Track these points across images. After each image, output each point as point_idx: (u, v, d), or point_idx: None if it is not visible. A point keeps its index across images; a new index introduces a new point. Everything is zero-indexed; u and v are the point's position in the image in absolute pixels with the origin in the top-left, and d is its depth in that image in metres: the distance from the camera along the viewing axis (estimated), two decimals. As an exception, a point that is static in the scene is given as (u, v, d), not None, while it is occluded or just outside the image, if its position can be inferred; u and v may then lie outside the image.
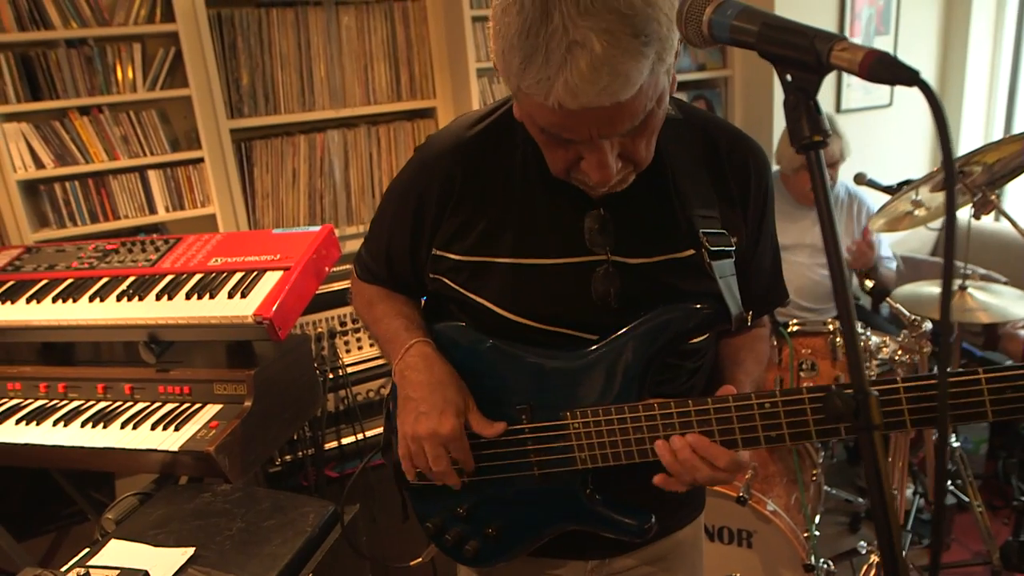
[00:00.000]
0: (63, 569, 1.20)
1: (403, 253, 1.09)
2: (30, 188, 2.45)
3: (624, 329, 0.97)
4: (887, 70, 0.54)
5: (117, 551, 1.31)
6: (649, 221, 0.99)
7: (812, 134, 0.60)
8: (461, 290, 1.03)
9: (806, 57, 0.60)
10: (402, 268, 1.12)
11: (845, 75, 3.36)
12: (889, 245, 3.01)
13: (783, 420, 0.88)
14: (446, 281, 1.04)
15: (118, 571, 1.12)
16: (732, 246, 0.98)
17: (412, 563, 1.21)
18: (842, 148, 2.73)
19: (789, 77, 0.62)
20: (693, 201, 0.98)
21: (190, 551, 1.28)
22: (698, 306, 0.96)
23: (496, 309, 1.01)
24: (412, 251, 1.08)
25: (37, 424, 1.68)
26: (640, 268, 0.98)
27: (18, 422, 1.70)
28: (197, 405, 1.65)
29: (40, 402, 1.77)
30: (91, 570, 1.12)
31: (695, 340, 1.03)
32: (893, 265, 2.96)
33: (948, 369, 0.77)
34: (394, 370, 1.07)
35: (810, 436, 0.88)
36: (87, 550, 1.34)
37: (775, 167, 2.91)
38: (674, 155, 0.99)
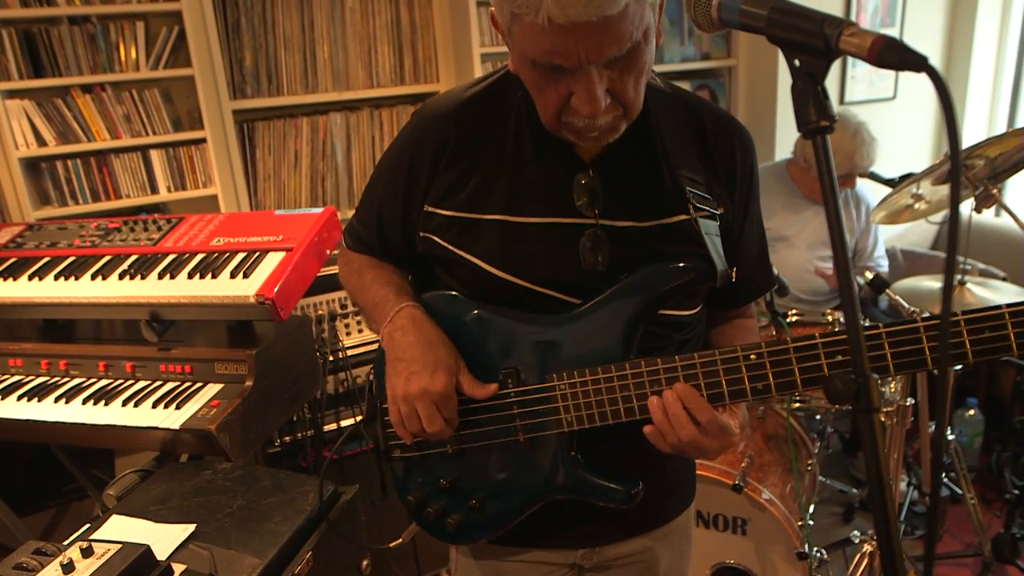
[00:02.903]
0: (65, 543, 1.22)
1: (394, 214, 1.10)
2: (32, 166, 2.45)
3: (608, 291, 0.98)
4: (895, 55, 0.55)
5: (118, 526, 1.33)
6: (638, 186, 1.00)
7: (819, 119, 0.60)
8: (451, 247, 1.04)
9: (815, 42, 0.60)
10: (392, 231, 1.12)
11: (850, 67, 3.38)
12: (884, 244, 3.00)
13: (769, 371, 0.89)
14: (436, 239, 1.05)
15: (120, 545, 1.13)
16: (717, 211, 1.00)
17: (392, 544, 1.21)
18: (865, 163, 2.65)
19: (797, 62, 0.62)
20: (680, 163, 1.00)
21: (191, 527, 1.29)
22: (682, 264, 0.97)
23: (485, 266, 1.01)
24: (404, 209, 1.08)
25: (39, 400, 1.69)
26: (628, 232, 0.99)
27: (20, 398, 1.70)
28: (198, 384, 1.66)
29: (42, 379, 1.77)
30: (93, 544, 1.13)
31: (683, 312, 1.04)
32: (884, 267, 2.96)
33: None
34: (382, 334, 1.07)
35: (796, 386, 0.88)
36: (88, 525, 1.35)
37: (787, 155, 2.89)
38: (662, 121, 1.00)
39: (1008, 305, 0.81)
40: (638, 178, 1.00)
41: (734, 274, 1.02)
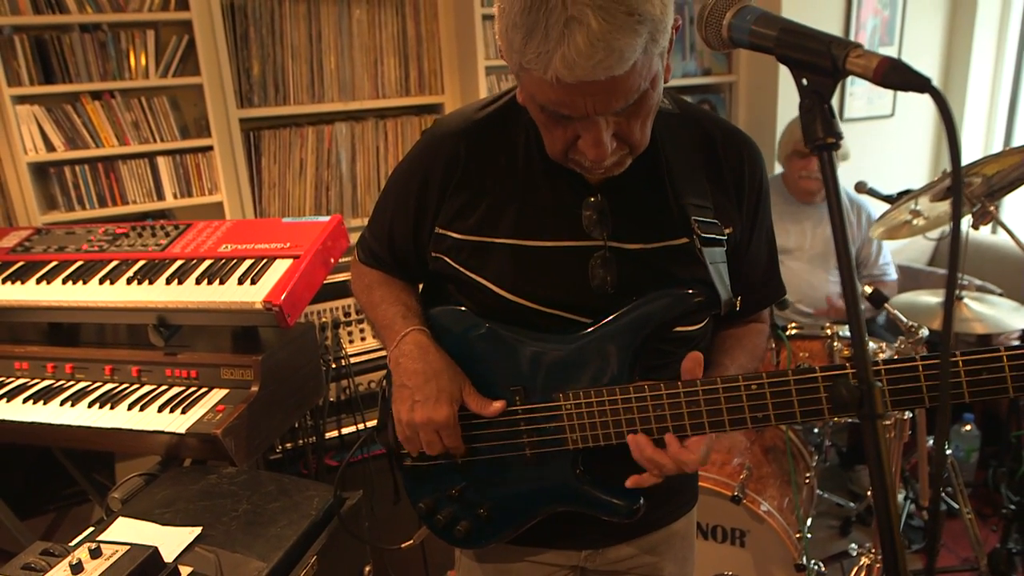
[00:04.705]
0: (72, 544, 1.23)
1: (406, 231, 1.12)
2: (40, 171, 2.47)
3: (616, 313, 1.00)
4: (900, 77, 0.57)
5: (124, 528, 1.34)
6: (645, 208, 1.02)
7: (826, 136, 0.63)
8: (461, 269, 1.06)
9: (822, 62, 0.63)
10: (404, 247, 1.14)
11: (849, 84, 3.42)
12: (890, 252, 3.03)
13: (769, 401, 0.91)
14: (447, 260, 1.07)
15: (128, 547, 1.14)
16: (723, 235, 1.02)
17: (403, 545, 1.23)
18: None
19: (805, 81, 0.65)
20: (686, 190, 1.01)
21: (197, 530, 1.30)
22: (689, 291, 0.99)
23: (495, 289, 1.04)
24: (415, 229, 1.10)
25: (44, 403, 1.70)
26: (636, 254, 1.01)
27: (25, 401, 1.71)
28: (204, 389, 1.67)
29: (47, 382, 1.79)
30: (101, 545, 1.14)
31: (689, 328, 1.05)
32: (893, 275, 2.99)
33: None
34: (389, 357, 1.10)
35: (795, 417, 0.90)
36: (92, 528, 1.36)
37: (778, 170, 2.94)
38: (669, 146, 1.02)
39: (1007, 348, 0.83)
40: (645, 201, 1.02)
41: (738, 303, 1.04)
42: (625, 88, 0.83)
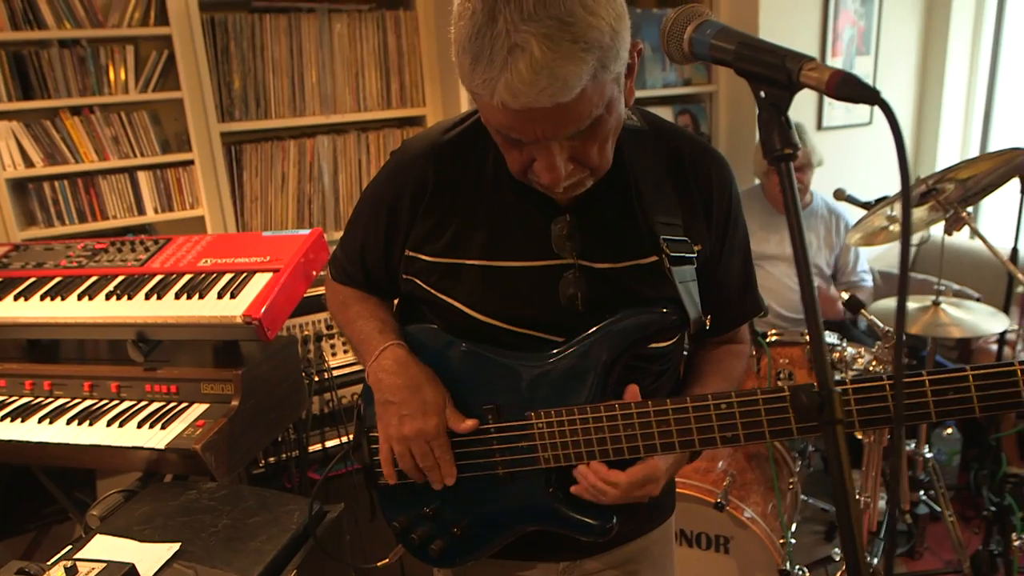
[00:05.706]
0: (49, 563, 1.22)
1: (377, 253, 1.12)
2: (19, 186, 2.45)
3: (588, 332, 1.01)
4: (851, 89, 0.59)
5: (102, 546, 1.32)
6: (614, 227, 1.03)
7: (783, 147, 0.64)
8: (432, 291, 1.06)
9: (778, 75, 0.64)
10: (376, 268, 1.14)
11: (826, 93, 3.47)
12: (867, 260, 3.08)
13: (738, 420, 0.92)
14: (418, 282, 1.07)
15: (105, 564, 1.13)
16: (693, 253, 1.03)
17: (379, 564, 1.23)
18: (807, 153, 2.83)
19: (763, 93, 0.66)
20: (655, 208, 1.02)
21: (175, 546, 1.29)
22: (663, 311, 1.00)
23: (466, 310, 1.04)
24: (386, 251, 1.11)
25: (22, 421, 1.68)
26: (606, 273, 1.02)
27: (3, 419, 1.70)
28: (184, 404, 1.67)
29: (25, 399, 1.77)
30: (77, 563, 1.13)
31: (659, 344, 1.06)
32: (869, 281, 3.04)
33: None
34: (367, 372, 1.10)
35: (764, 436, 0.92)
36: (70, 546, 1.34)
37: (756, 181, 2.99)
38: (638, 164, 1.03)
39: (972, 367, 0.84)
40: (613, 220, 1.03)
41: (708, 322, 1.05)
42: (575, 115, 0.83)
